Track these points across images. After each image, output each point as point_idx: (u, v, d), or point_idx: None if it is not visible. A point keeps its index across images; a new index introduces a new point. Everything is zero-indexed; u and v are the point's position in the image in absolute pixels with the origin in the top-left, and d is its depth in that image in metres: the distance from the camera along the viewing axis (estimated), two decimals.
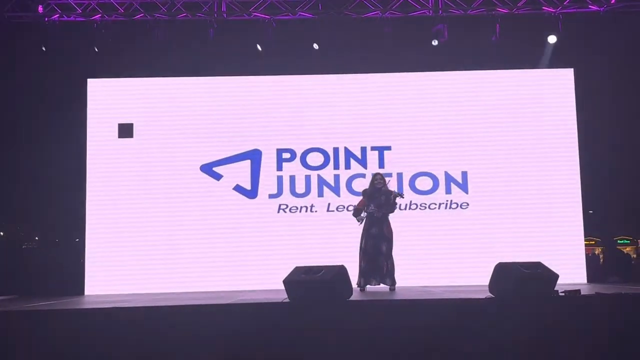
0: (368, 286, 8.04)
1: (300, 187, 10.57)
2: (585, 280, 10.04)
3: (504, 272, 6.16)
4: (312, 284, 5.94)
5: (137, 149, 10.53)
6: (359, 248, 8.14)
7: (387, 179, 8.81)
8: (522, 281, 5.90)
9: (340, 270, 6.20)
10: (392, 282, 8.01)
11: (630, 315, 5.41)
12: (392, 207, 8.15)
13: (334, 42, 10.21)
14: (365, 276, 8.00)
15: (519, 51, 10.48)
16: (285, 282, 6.10)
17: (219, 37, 10.23)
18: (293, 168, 10.61)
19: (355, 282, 7.67)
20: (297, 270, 6.26)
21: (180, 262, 10.24)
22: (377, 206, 8.09)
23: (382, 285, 8.08)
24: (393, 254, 8.11)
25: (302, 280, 6.05)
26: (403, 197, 8.46)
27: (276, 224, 10.46)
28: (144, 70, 10.62)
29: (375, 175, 8.42)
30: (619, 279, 10.12)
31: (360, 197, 8.41)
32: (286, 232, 10.39)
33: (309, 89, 10.78)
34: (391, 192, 8.23)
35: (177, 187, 10.46)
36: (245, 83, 10.79)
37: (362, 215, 8.17)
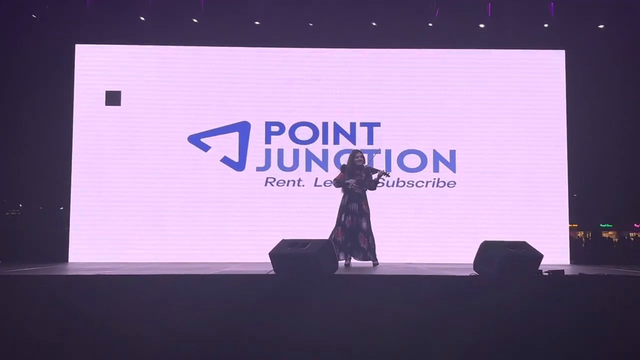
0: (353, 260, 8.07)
1: (288, 161, 10.55)
2: (568, 262, 10.13)
3: (489, 251, 6.19)
4: (297, 257, 5.94)
5: (124, 117, 10.43)
6: (336, 222, 8.13)
7: (375, 155, 8.85)
8: (506, 260, 5.92)
9: (326, 245, 6.19)
10: (375, 258, 8.02)
11: (612, 296, 5.45)
12: (374, 184, 8.14)
13: (327, 16, 10.13)
14: (346, 252, 8.00)
15: (510, 31, 10.45)
16: (271, 254, 6.10)
17: (210, 7, 10.11)
18: (282, 141, 10.58)
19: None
20: (283, 243, 6.25)
21: (165, 233, 10.24)
22: (357, 183, 8.07)
23: (365, 261, 8.10)
24: (373, 230, 8.13)
25: (288, 253, 6.04)
26: (389, 176, 8.49)
27: (263, 197, 10.45)
28: (134, 37, 10.50)
29: (355, 152, 8.33)
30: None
31: (339, 172, 8.40)
32: (273, 205, 10.39)
33: (300, 63, 10.72)
34: (375, 170, 8.21)
35: (164, 157, 10.41)
36: (237, 54, 10.70)
37: (348, 183, 8.10)
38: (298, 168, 10.54)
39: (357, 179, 8.06)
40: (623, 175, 10.84)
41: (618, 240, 20.01)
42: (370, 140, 10.54)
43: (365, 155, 8.45)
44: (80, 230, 10.24)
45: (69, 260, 10.05)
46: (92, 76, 10.44)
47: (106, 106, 10.41)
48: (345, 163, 8.42)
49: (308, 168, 10.54)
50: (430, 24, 10.38)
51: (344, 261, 7.95)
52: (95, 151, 10.35)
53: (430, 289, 5.54)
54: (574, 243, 10.53)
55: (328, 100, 10.61)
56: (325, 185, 10.37)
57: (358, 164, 8.15)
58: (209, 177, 10.44)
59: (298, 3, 10.23)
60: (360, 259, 8.05)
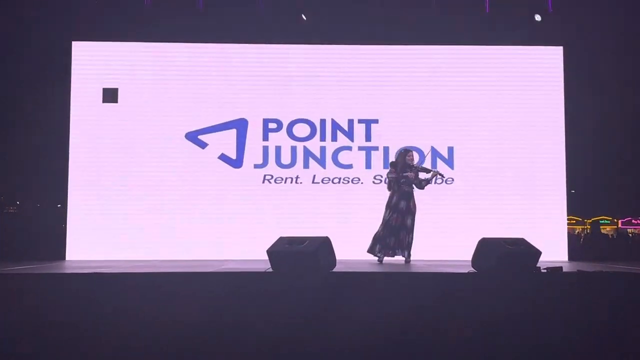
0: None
1: (286, 158, 10.53)
2: (566, 258, 10.13)
3: (487, 247, 6.19)
4: (295, 255, 5.93)
5: (121, 115, 10.39)
6: (382, 219, 8.30)
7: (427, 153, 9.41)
8: (505, 257, 5.93)
9: (325, 242, 6.19)
10: (409, 255, 8.19)
11: (610, 292, 5.45)
12: (425, 184, 8.35)
13: (324, 12, 10.10)
14: (386, 248, 8.19)
15: (508, 27, 10.43)
16: (269, 252, 6.09)
17: (207, 3, 10.07)
18: (279, 138, 10.55)
19: (369, 249, 8.24)
20: (281, 241, 6.24)
21: (163, 230, 10.19)
22: (407, 181, 8.18)
23: (397, 257, 8.33)
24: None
25: (286, 251, 6.04)
26: (444, 177, 8.64)
27: (261, 194, 10.43)
28: (131, 34, 10.45)
29: (407, 151, 8.53)
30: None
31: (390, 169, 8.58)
32: (271, 203, 10.37)
33: (297, 59, 10.69)
34: (427, 169, 8.34)
35: (162, 154, 10.37)
36: (234, 51, 10.66)
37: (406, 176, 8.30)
38: (296, 165, 10.52)
39: (409, 178, 8.18)
40: (621, 171, 10.84)
41: (616, 236, 20.03)
42: (368, 137, 10.53)
43: (416, 154, 8.56)
44: (77, 227, 10.20)
45: (67, 258, 10.02)
46: (89, 73, 10.39)
47: (103, 103, 10.36)
48: (394, 160, 8.50)
49: (306, 165, 10.52)
50: (426, 20, 10.32)
51: (377, 258, 8.21)
52: (93, 149, 10.30)
53: (428, 286, 5.54)
54: (572, 239, 10.51)
55: (325, 97, 10.59)
56: (322, 182, 10.35)
57: (410, 163, 8.26)
58: (206, 175, 10.42)
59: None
60: (393, 255, 8.28)
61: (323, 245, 6.09)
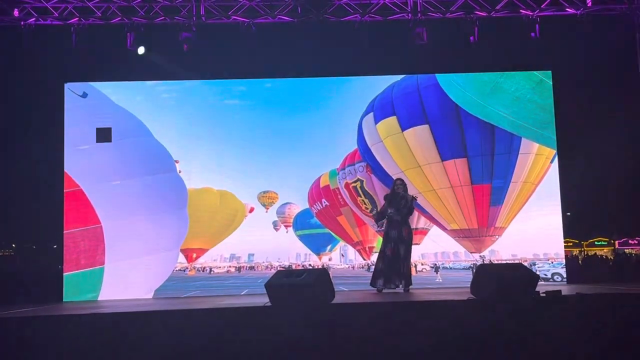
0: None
1: None
2: (565, 281, 10.10)
3: (485, 274, 6.18)
4: (293, 287, 5.89)
5: (115, 154, 10.37)
6: (379, 252, 8.19)
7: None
8: (503, 283, 5.91)
9: (322, 273, 6.16)
10: (407, 285, 7.99)
11: (609, 313, 5.44)
12: (410, 209, 8.18)
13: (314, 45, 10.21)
14: (384, 279, 8.01)
15: (497, 53, 10.53)
16: (267, 285, 6.06)
17: (197, 41, 10.13)
18: None
19: (370, 283, 8.00)
20: (279, 274, 6.21)
21: (157, 266, 10.14)
22: (396, 210, 8.09)
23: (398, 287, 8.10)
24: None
25: (284, 284, 6.00)
26: (416, 199, 8.57)
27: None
28: (122, 74, 10.48)
29: (395, 181, 8.42)
30: None
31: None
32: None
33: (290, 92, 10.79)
34: (409, 196, 8.25)
35: (155, 193, 10.33)
36: (224, 87, 10.74)
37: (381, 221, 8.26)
38: None
39: (396, 206, 8.10)
40: (616, 191, 10.88)
41: (614, 257, 19.99)
42: None
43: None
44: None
45: (64, 300, 9.93)
46: (81, 114, 10.39)
47: (97, 143, 10.34)
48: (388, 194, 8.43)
49: None
50: (417, 49, 10.41)
51: (376, 289, 8.01)
52: (87, 188, 10.26)
53: (429, 314, 5.52)
54: (569, 262, 10.50)
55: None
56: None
57: (397, 191, 8.17)
58: None
59: (285, 33, 10.28)
60: (394, 287, 8.03)
61: (321, 278, 6.05)
